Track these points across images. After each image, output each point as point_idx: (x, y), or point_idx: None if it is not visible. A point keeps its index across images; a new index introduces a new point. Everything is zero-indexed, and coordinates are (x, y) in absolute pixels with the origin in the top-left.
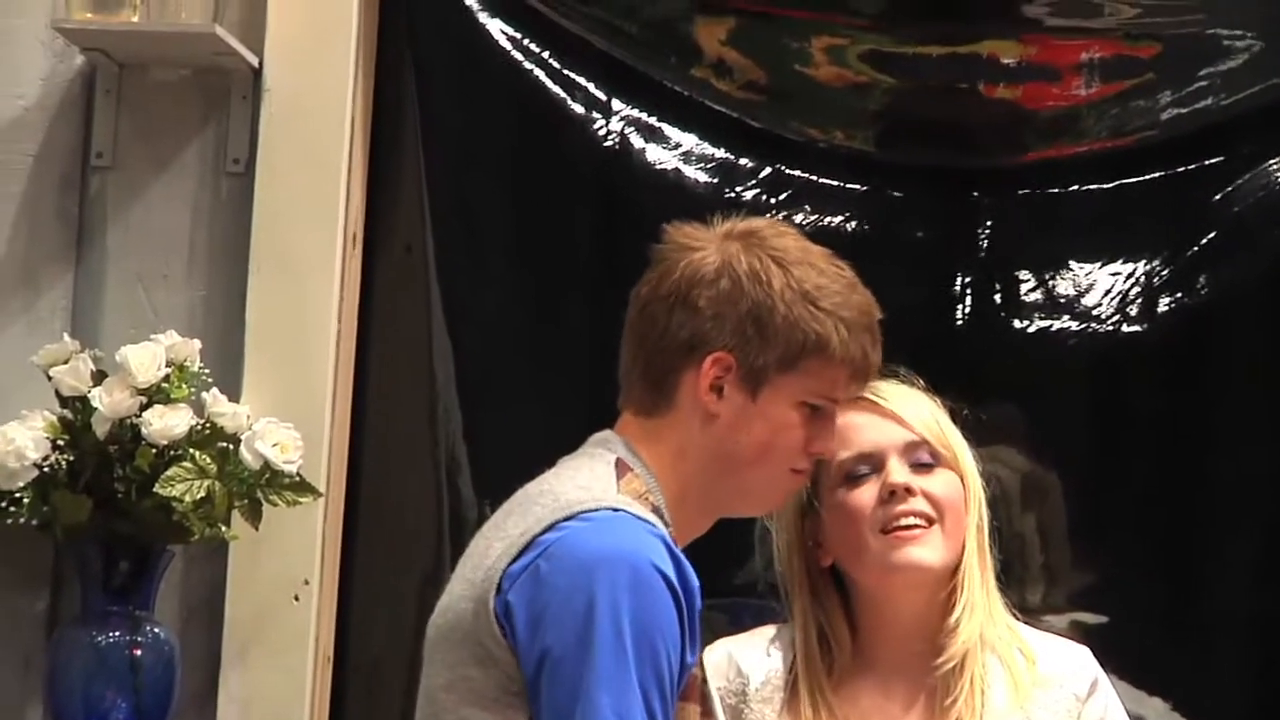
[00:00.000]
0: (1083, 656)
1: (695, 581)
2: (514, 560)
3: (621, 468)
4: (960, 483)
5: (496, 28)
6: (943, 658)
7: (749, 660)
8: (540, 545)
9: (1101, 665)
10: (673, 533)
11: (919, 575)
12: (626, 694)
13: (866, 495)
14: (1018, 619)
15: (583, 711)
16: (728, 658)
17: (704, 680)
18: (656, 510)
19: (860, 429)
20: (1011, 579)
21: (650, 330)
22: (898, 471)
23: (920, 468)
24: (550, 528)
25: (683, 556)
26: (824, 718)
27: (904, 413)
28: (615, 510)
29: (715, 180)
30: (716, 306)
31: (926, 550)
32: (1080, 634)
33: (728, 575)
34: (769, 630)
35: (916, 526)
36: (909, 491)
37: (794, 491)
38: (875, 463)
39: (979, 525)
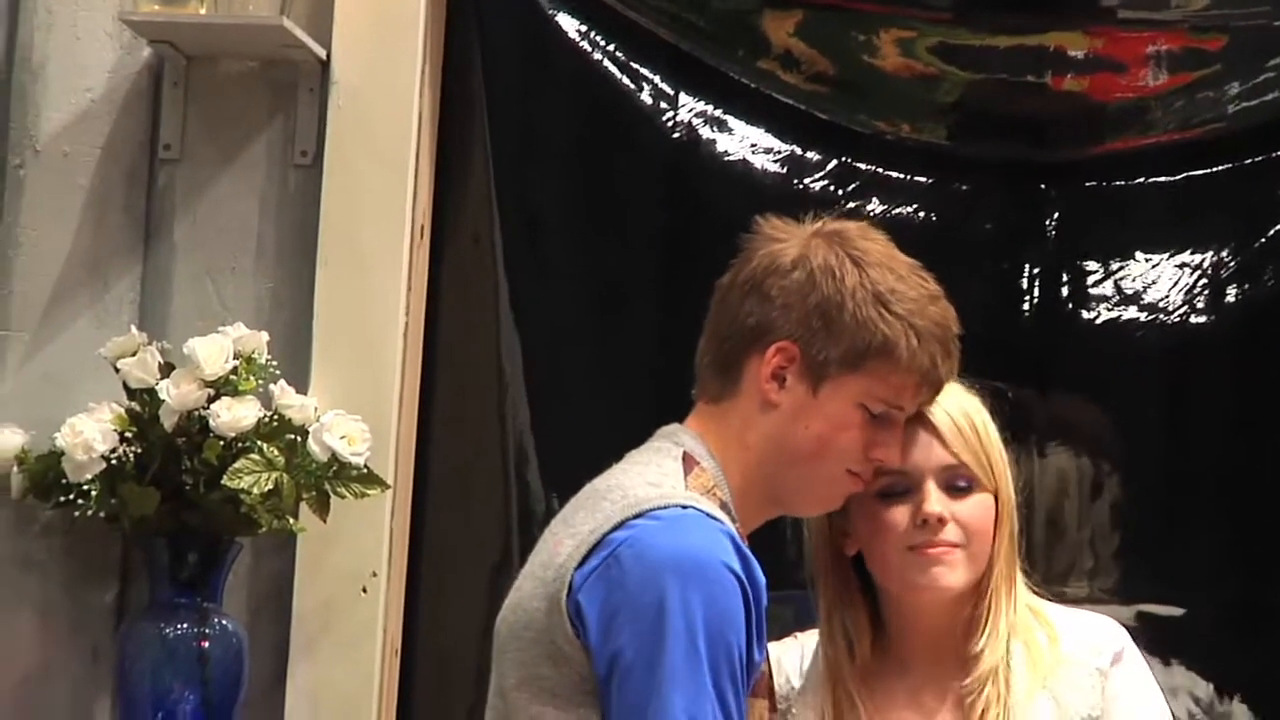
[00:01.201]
0: (1109, 630)
1: (762, 578)
2: (585, 559)
3: (689, 462)
4: (994, 501)
5: (564, 20)
6: (969, 679)
7: (791, 663)
8: (611, 544)
9: (1173, 657)
10: (737, 526)
11: (941, 594)
12: (699, 694)
13: (899, 515)
14: (1044, 596)
15: (655, 712)
16: (776, 663)
17: (770, 676)
18: (724, 505)
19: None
20: (1080, 570)
21: (723, 316)
22: (934, 500)
23: (955, 491)
24: (620, 525)
25: (749, 553)
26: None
27: (945, 429)
28: (685, 507)
29: (783, 172)
30: (787, 296)
31: (951, 573)
32: (1151, 626)
33: (790, 568)
34: (813, 633)
35: (944, 547)
36: (941, 521)
37: (851, 493)
38: (911, 483)
39: (1011, 536)
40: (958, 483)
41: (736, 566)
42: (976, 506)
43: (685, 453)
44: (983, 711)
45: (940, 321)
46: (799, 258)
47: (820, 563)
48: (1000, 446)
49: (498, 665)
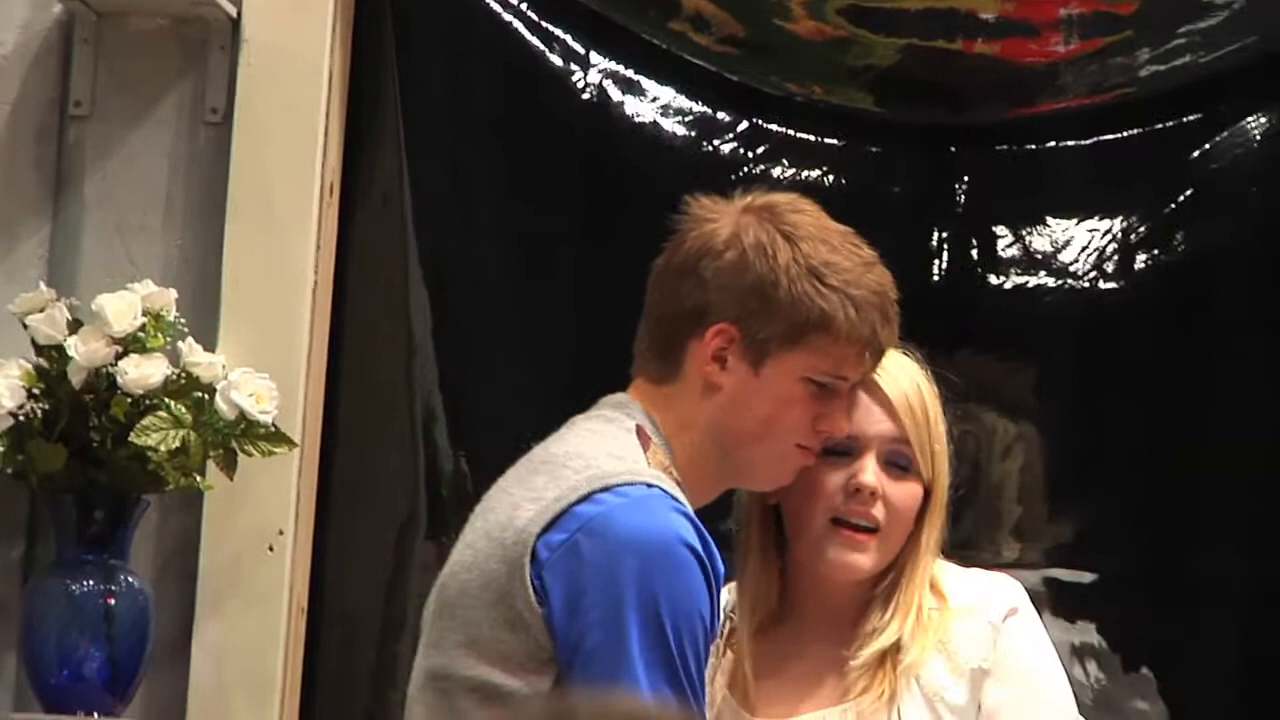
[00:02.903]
0: (1004, 587)
1: (720, 562)
2: (548, 528)
3: (643, 437)
4: (923, 493)
5: None
6: (857, 661)
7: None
8: (578, 519)
9: (1082, 621)
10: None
11: (848, 575)
12: (667, 676)
13: (832, 480)
14: (953, 561)
15: (622, 689)
16: None
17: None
18: (679, 484)
19: (851, 405)
20: (989, 533)
21: (661, 300)
22: (870, 471)
23: (893, 469)
24: (586, 498)
25: (706, 532)
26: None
27: (898, 405)
28: (650, 486)
29: (693, 134)
30: (721, 278)
31: (863, 557)
32: (1060, 591)
33: None
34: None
35: (862, 531)
36: (873, 495)
37: (802, 467)
38: (854, 447)
39: (940, 529)
40: (898, 460)
41: (699, 547)
42: (906, 494)
43: (638, 426)
44: (863, 690)
45: (877, 289)
46: (731, 237)
47: (747, 511)
48: (944, 441)
49: (439, 622)
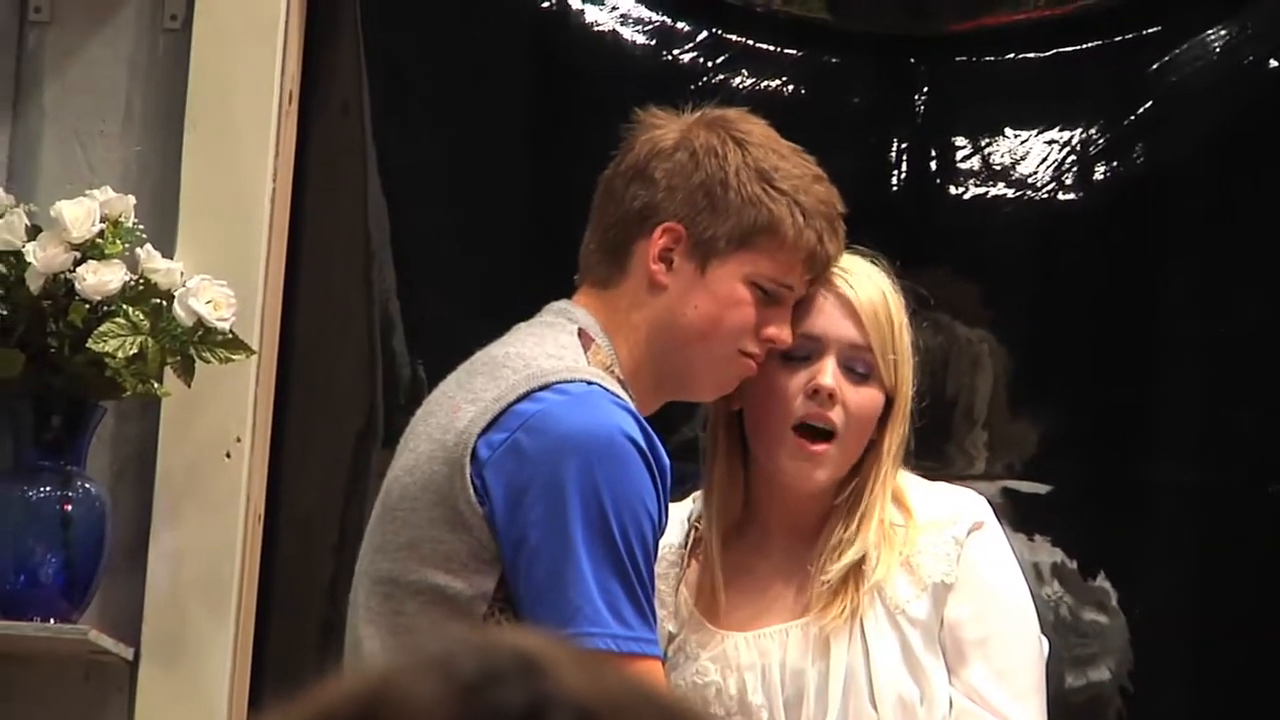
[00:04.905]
0: (970, 502)
1: (666, 458)
2: (489, 427)
3: (585, 338)
4: (884, 401)
5: None
6: (825, 575)
7: (679, 518)
8: (518, 416)
9: (1038, 533)
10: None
11: (804, 485)
12: (612, 567)
13: (794, 382)
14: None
15: (568, 585)
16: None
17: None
18: (622, 383)
19: (815, 308)
20: (945, 445)
21: (608, 205)
22: (830, 373)
23: (852, 375)
24: (526, 396)
25: (652, 431)
26: (706, 571)
27: (864, 311)
28: (590, 383)
29: (652, 43)
30: (671, 178)
31: (819, 470)
32: (1016, 502)
33: None
34: (680, 506)
35: (819, 439)
36: (832, 397)
37: (743, 377)
38: (815, 350)
39: (901, 438)
40: (857, 367)
41: (642, 442)
42: (866, 399)
43: (581, 329)
44: (826, 605)
45: (825, 200)
46: (681, 140)
47: (713, 418)
48: (909, 350)
49: (381, 526)
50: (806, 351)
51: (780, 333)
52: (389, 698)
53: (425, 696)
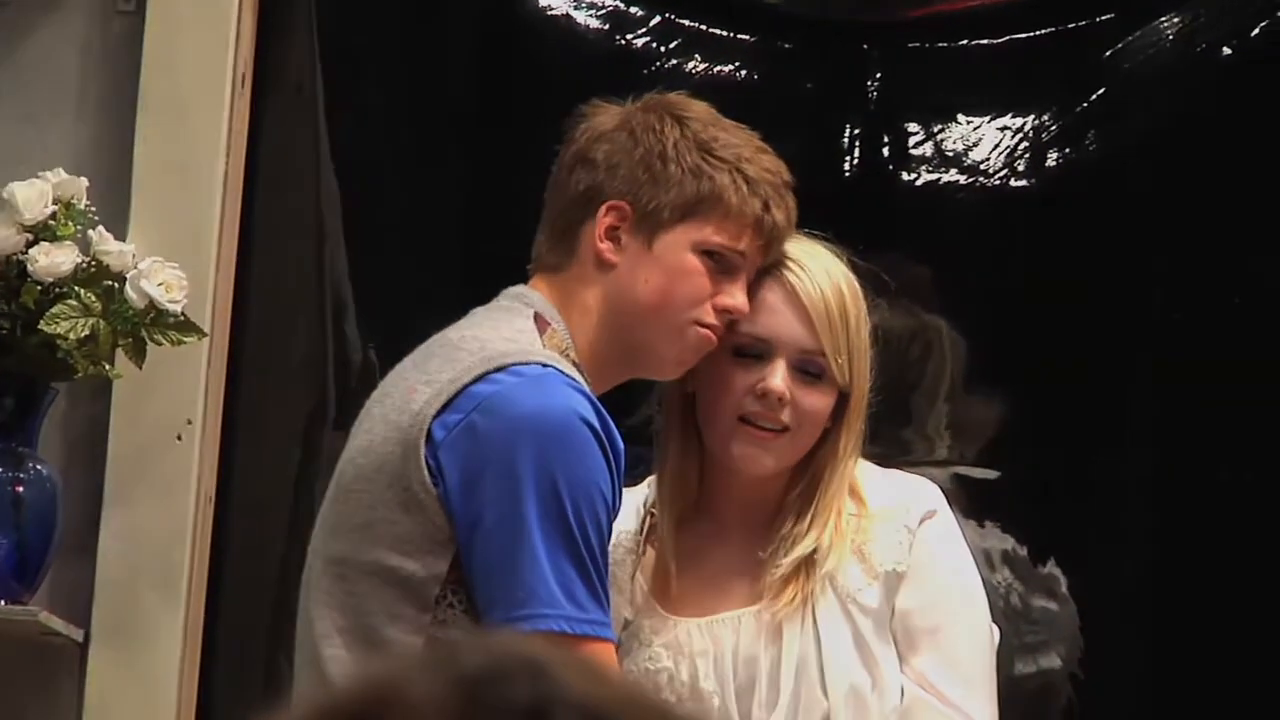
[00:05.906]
0: (923, 490)
1: (620, 441)
2: (444, 408)
3: (540, 322)
4: (837, 397)
5: None
6: (778, 566)
7: (634, 504)
8: (473, 398)
9: (989, 520)
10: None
11: (752, 470)
12: (563, 549)
13: (742, 381)
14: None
15: (521, 567)
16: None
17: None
18: (577, 366)
19: (767, 307)
20: (897, 431)
21: (554, 194)
22: (779, 377)
23: (804, 375)
24: (481, 378)
25: (607, 414)
26: (660, 557)
27: (815, 313)
28: (545, 366)
29: (605, 27)
30: (612, 157)
31: (767, 456)
32: (967, 489)
33: None
34: (635, 491)
35: (769, 432)
36: (781, 401)
37: (704, 350)
38: (765, 350)
39: (858, 434)
40: (809, 368)
41: (596, 425)
42: (817, 400)
43: (536, 313)
44: (777, 593)
45: (770, 169)
46: (620, 123)
47: (668, 401)
48: (865, 343)
49: (335, 508)
50: (758, 351)
51: (735, 302)
52: (394, 696)
53: (430, 695)
